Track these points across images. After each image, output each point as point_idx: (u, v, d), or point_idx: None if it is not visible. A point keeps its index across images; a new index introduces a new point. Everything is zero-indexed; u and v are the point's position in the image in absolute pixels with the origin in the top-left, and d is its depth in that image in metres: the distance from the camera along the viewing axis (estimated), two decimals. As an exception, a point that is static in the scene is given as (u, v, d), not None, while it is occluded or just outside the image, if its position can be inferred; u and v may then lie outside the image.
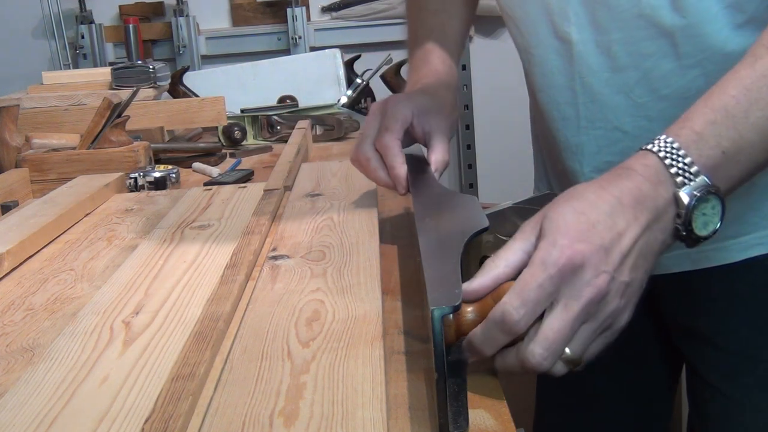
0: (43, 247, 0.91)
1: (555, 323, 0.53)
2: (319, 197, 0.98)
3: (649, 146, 0.60)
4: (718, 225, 0.60)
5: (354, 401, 0.49)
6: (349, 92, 1.89)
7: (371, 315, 0.62)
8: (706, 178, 0.58)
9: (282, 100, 1.91)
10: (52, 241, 0.94)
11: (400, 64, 1.93)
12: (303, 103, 1.87)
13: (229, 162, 1.44)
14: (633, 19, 0.76)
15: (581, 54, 0.80)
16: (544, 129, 0.90)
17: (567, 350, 0.53)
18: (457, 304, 0.50)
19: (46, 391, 0.54)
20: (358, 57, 2.08)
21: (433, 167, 0.84)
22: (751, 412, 0.86)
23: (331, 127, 1.60)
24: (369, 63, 1.99)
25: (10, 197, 1.14)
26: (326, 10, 2.40)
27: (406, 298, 0.70)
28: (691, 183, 0.58)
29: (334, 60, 2.07)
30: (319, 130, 1.61)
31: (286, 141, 1.38)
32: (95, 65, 2.31)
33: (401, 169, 0.81)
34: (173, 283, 0.74)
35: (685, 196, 0.58)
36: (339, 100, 1.86)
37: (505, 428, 0.51)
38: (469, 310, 0.53)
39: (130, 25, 1.96)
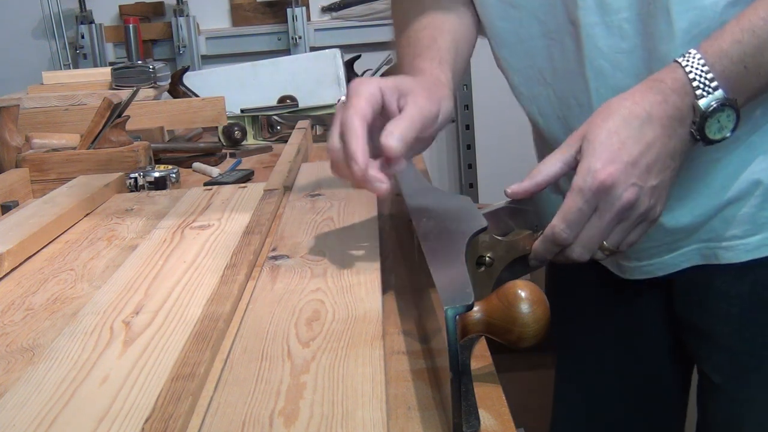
0: (43, 247, 0.91)
1: (592, 230, 0.66)
2: (319, 197, 0.98)
3: (680, 59, 0.68)
4: (729, 133, 0.69)
5: (354, 401, 0.49)
6: (349, 92, 1.88)
7: (371, 315, 0.62)
8: (723, 92, 0.67)
9: (282, 100, 1.91)
10: (52, 241, 0.94)
11: (400, 64, 1.93)
12: (303, 103, 1.87)
13: (229, 162, 1.44)
14: None
15: (590, 37, 0.78)
16: (557, 120, 0.87)
17: (605, 242, 0.67)
18: (470, 303, 0.50)
19: (46, 390, 0.54)
20: (358, 57, 2.08)
21: (384, 133, 0.66)
22: (757, 412, 0.85)
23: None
24: (369, 63, 1.99)
25: (10, 197, 1.14)
26: (326, 10, 2.40)
27: (405, 298, 0.70)
28: (709, 96, 0.67)
29: (334, 60, 2.07)
30: (319, 130, 1.61)
31: (286, 141, 1.38)
32: (95, 65, 2.31)
33: (356, 143, 0.65)
34: (173, 283, 0.74)
35: (702, 105, 0.67)
36: (339, 100, 1.86)
37: (505, 428, 0.51)
38: (475, 310, 0.54)
39: (130, 25, 1.96)
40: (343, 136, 0.67)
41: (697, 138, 0.68)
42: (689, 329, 0.91)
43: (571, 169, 0.67)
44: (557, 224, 0.66)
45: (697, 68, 0.67)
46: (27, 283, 0.80)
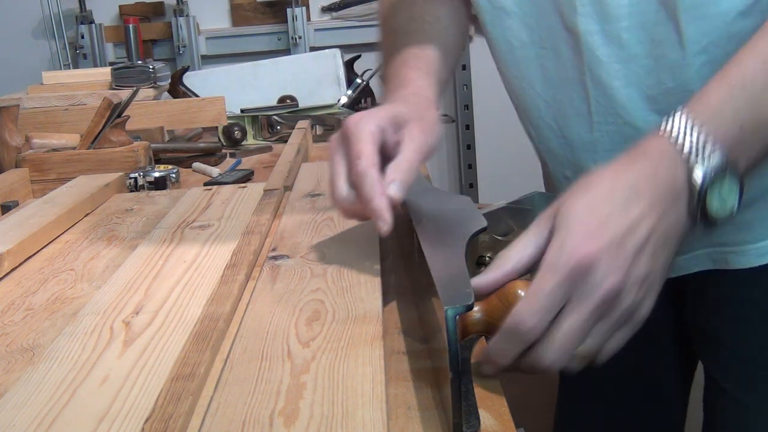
0: (43, 247, 0.91)
1: (565, 327, 0.53)
2: (319, 197, 0.98)
3: (663, 125, 0.59)
4: (736, 206, 0.58)
5: (354, 401, 0.49)
6: (349, 92, 1.89)
7: (371, 315, 0.62)
8: (721, 155, 0.57)
9: (282, 100, 1.92)
10: (52, 241, 0.94)
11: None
12: (303, 103, 1.87)
13: (229, 162, 1.44)
14: (644, 3, 0.73)
15: (589, 45, 0.76)
16: (550, 129, 0.86)
17: (580, 347, 0.54)
18: (470, 303, 0.50)
19: (46, 390, 0.54)
20: (358, 57, 2.09)
21: (386, 181, 0.66)
22: (766, 420, 0.85)
23: (331, 127, 1.61)
24: (369, 63, 1.99)
25: (10, 197, 1.14)
26: (326, 10, 2.41)
27: (405, 298, 0.70)
28: (705, 162, 0.57)
29: (334, 60, 2.08)
30: (319, 130, 1.61)
31: (286, 141, 1.38)
32: (95, 65, 2.31)
33: (380, 200, 0.64)
34: (173, 283, 0.74)
35: (698, 176, 0.57)
36: (339, 100, 1.86)
37: (505, 428, 0.51)
38: (475, 310, 0.54)
39: (130, 25, 1.96)
40: (362, 189, 0.66)
41: (698, 215, 0.58)
42: (699, 333, 0.91)
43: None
44: (523, 311, 0.52)
45: (683, 131, 0.57)
46: (27, 283, 0.80)
